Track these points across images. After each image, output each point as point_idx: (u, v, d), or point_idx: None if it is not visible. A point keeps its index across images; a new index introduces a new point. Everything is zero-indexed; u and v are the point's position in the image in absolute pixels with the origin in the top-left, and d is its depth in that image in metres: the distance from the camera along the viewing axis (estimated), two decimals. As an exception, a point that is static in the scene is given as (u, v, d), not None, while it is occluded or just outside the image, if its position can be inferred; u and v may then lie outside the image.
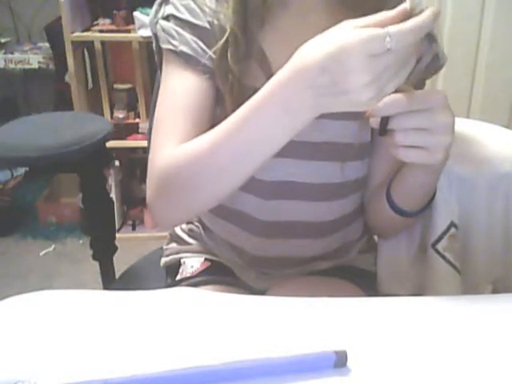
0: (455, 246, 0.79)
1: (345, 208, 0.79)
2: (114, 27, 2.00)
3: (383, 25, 0.50)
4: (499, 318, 0.54)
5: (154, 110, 0.95)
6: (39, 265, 2.06)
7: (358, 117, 0.68)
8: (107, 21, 2.03)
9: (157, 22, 0.72)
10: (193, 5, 0.70)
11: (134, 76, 2.09)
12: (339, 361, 0.45)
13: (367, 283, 0.82)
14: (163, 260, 0.89)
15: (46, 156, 0.92)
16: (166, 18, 0.71)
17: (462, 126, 0.80)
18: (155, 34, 0.73)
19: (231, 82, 0.68)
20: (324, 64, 0.51)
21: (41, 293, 0.54)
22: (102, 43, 2.06)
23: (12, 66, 2.22)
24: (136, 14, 1.89)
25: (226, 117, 0.61)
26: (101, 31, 2.00)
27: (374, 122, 0.60)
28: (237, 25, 0.68)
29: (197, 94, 0.69)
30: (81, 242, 2.18)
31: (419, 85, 0.74)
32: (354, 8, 0.68)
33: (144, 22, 1.86)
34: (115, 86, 2.18)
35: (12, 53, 2.24)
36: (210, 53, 0.69)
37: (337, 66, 0.50)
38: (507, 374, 0.46)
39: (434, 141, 0.57)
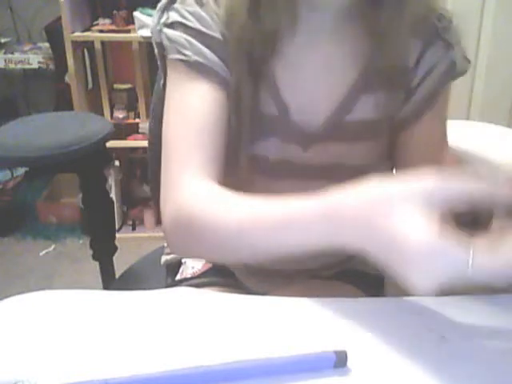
0: None
1: None
2: (114, 27, 2.00)
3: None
4: (500, 318, 0.54)
5: (153, 111, 0.95)
6: (39, 265, 2.06)
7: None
8: (107, 21, 2.03)
9: (160, 30, 0.67)
10: (202, 12, 0.66)
11: (134, 76, 2.09)
12: (339, 361, 0.45)
13: (369, 286, 0.81)
14: (164, 258, 0.89)
15: (46, 156, 0.92)
16: (171, 25, 0.66)
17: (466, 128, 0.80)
18: (159, 43, 0.68)
19: (237, 102, 0.66)
20: (392, 238, 0.45)
21: (41, 293, 0.54)
22: (102, 43, 2.06)
23: (12, 65, 2.22)
24: (136, 13, 1.89)
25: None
26: (101, 31, 2.01)
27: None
28: (246, 52, 0.65)
29: (212, 111, 0.64)
30: (81, 242, 2.19)
31: (434, 95, 0.70)
32: (364, 34, 0.67)
33: (144, 22, 1.86)
34: (115, 86, 2.18)
35: (12, 53, 2.25)
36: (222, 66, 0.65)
37: (398, 255, 0.45)
38: (508, 373, 0.46)
39: None
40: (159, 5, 0.69)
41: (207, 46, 0.65)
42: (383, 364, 0.46)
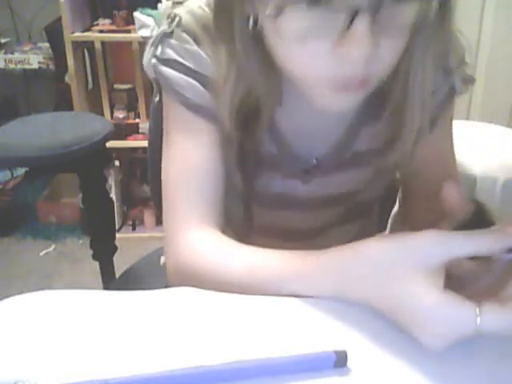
0: None
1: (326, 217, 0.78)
2: (114, 27, 2.00)
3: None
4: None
5: (153, 111, 0.95)
6: (39, 265, 2.06)
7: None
8: (107, 21, 2.03)
9: (156, 66, 0.63)
10: (200, 52, 0.62)
11: (133, 76, 2.09)
12: (339, 361, 0.45)
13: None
14: (163, 259, 0.89)
15: (46, 156, 0.93)
16: (167, 62, 0.63)
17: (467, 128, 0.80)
18: (154, 77, 0.65)
19: (232, 143, 0.65)
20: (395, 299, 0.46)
21: (41, 293, 0.54)
22: (102, 43, 2.06)
23: (12, 66, 2.22)
24: (136, 14, 1.88)
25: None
26: (101, 31, 2.01)
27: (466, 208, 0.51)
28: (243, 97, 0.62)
29: (213, 157, 0.63)
30: (81, 242, 2.19)
31: (434, 122, 0.67)
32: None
33: (144, 22, 1.86)
34: (115, 86, 2.18)
35: (12, 53, 2.25)
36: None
37: (410, 318, 0.46)
38: (508, 374, 0.46)
39: None
40: (153, 39, 0.64)
41: (206, 88, 0.62)
42: (383, 364, 0.46)
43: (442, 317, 0.43)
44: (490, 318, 0.42)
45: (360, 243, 0.49)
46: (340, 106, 0.58)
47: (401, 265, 0.45)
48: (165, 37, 0.63)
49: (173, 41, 0.62)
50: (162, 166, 0.65)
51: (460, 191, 0.50)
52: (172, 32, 0.63)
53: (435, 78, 0.63)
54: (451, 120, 0.72)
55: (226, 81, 0.60)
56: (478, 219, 0.50)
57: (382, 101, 0.64)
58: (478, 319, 0.42)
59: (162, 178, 0.65)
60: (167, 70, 0.63)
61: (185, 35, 0.62)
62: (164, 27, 0.63)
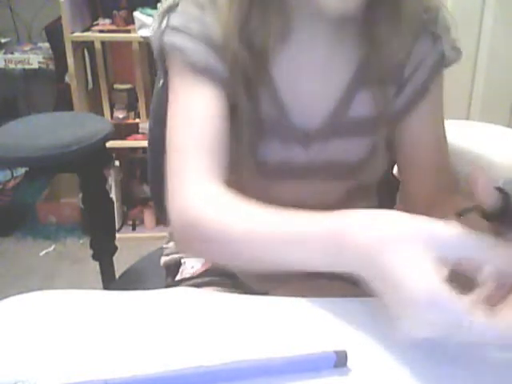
0: None
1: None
2: (114, 27, 2.01)
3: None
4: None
5: (153, 111, 0.95)
6: (39, 265, 2.06)
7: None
8: (107, 21, 2.03)
9: (162, 35, 0.66)
10: (205, 17, 0.66)
11: (133, 76, 2.09)
12: (339, 361, 0.45)
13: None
14: (163, 259, 0.89)
15: (46, 156, 0.92)
16: (174, 30, 0.66)
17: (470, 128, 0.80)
18: (160, 47, 0.68)
19: (236, 105, 0.67)
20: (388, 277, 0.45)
21: (41, 293, 0.54)
22: (102, 43, 2.06)
23: (12, 65, 2.22)
24: (136, 14, 1.89)
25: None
26: (101, 31, 2.01)
27: (493, 197, 0.49)
28: (243, 61, 0.65)
29: (218, 115, 0.64)
30: (81, 241, 2.19)
31: (425, 87, 0.71)
32: (358, 36, 0.69)
33: (144, 22, 1.86)
34: (115, 86, 2.18)
35: (12, 53, 2.25)
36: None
37: (396, 296, 0.44)
38: (508, 374, 0.46)
39: None
40: (160, 9, 0.68)
41: (211, 50, 0.65)
42: (383, 364, 0.46)
43: (431, 303, 0.42)
44: (481, 321, 0.41)
45: (371, 212, 0.48)
46: (343, 4, 0.60)
47: (415, 239, 0.44)
48: (170, 8, 0.66)
49: (178, 9, 0.66)
50: (167, 128, 0.66)
51: (487, 179, 0.49)
52: (177, 4, 0.66)
53: (423, 44, 0.69)
54: (441, 92, 0.74)
55: (230, 7, 0.63)
56: (504, 208, 0.50)
57: (371, 69, 0.68)
58: (469, 319, 0.41)
59: (167, 137, 0.65)
60: (173, 36, 0.65)
61: (189, 3, 0.66)
62: (169, 1, 0.67)
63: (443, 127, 0.75)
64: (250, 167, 0.72)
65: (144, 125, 2.09)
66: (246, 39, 0.65)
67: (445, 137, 0.76)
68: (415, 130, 0.73)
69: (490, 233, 0.47)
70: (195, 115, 0.64)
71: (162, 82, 0.72)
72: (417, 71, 0.71)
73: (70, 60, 1.97)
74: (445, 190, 0.72)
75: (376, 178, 0.82)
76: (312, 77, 0.69)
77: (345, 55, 0.70)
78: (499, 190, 0.49)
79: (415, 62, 0.71)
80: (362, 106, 0.71)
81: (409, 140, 0.75)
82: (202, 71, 0.64)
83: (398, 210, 0.83)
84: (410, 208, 0.76)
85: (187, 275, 0.82)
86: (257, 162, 0.72)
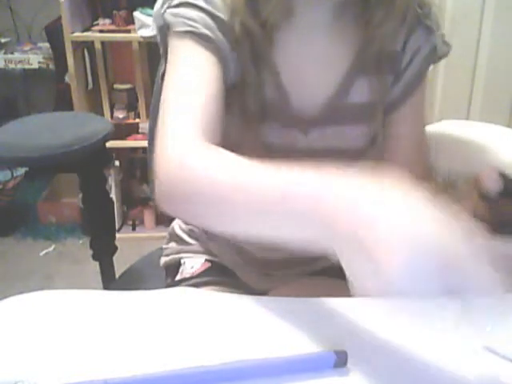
0: None
1: None
2: (114, 27, 2.00)
3: None
4: (500, 318, 0.54)
5: (153, 111, 0.95)
6: (39, 265, 2.06)
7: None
8: (107, 21, 2.03)
9: (164, 12, 0.67)
10: None
11: (133, 76, 2.09)
12: (339, 361, 0.45)
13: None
14: (163, 259, 0.89)
15: (46, 156, 0.92)
16: (177, 6, 0.66)
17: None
18: (162, 26, 0.68)
19: (241, 86, 0.68)
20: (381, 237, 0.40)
21: (41, 293, 0.54)
22: (102, 43, 2.06)
23: (12, 66, 2.22)
24: (136, 13, 1.89)
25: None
26: (101, 31, 2.01)
27: (494, 181, 0.49)
28: (249, 40, 0.67)
29: (214, 82, 0.64)
30: (81, 242, 2.18)
31: (419, 77, 0.75)
32: (357, 24, 0.71)
33: (144, 22, 1.86)
34: (115, 86, 2.18)
35: (12, 53, 2.25)
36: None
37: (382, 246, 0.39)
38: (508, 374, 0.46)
39: None
40: None
41: (216, 26, 0.65)
42: (383, 364, 0.46)
43: (402, 228, 0.39)
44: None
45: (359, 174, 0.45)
46: None
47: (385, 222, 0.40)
48: None
49: None
50: (163, 87, 0.65)
51: (491, 164, 0.49)
52: None
53: (418, 36, 0.72)
54: (424, 93, 0.77)
55: (237, 10, 0.65)
56: (507, 192, 0.50)
57: (369, 57, 0.71)
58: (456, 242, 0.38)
59: (162, 95, 0.64)
60: (175, 9, 0.66)
61: None
62: None
63: (424, 121, 0.79)
64: (256, 149, 0.72)
65: (144, 125, 2.09)
66: (252, 11, 0.66)
67: (424, 130, 0.79)
68: (401, 122, 0.77)
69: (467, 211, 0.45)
70: (191, 79, 0.63)
71: (162, 71, 0.71)
72: (412, 62, 0.74)
73: (70, 60, 1.97)
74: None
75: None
76: (312, 62, 0.71)
77: (344, 42, 0.72)
78: (502, 175, 0.50)
79: (411, 53, 0.74)
80: (361, 92, 0.73)
81: (394, 131, 0.77)
82: (202, 37, 0.64)
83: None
84: None
85: (187, 275, 0.82)
86: (261, 143, 0.73)
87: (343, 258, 0.43)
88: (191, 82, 0.63)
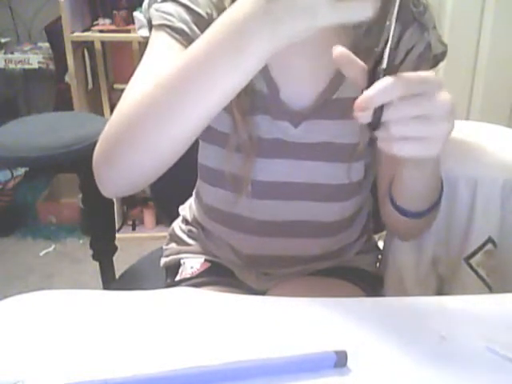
0: (491, 263, 0.78)
1: (346, 210, 0.79)
2: (114, 27, 2.00)
3: None
4: (500, 317, 0.54)
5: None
6: (39, 265, 2.06)
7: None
8: (107, 21, 2.03)
9: (151, 7, 0.70)
10: None
11: (133, 76, 2.09)
12: (339, 361, 0.45)
13: (367, 283, 0.82)
14: (163, 260, 0.89)
15: (46, 156, 0.92)
16: (162, 1, 0.69)
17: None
18: (148, 21, 0.71)
19: None
20: None
21: (41, 293, 0.54)
22: (102, 43, 2.06)
23: (12, 65, 2.22)
24: (136, 14, 1.89)
25: None
26: (101, 31, 2.01)
27: (365, 116, 0.52)
28: None
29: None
30: (81, 242, 2.18)
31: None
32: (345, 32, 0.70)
33: (144, 22, 1.86)
34: (115, 86, 2.18)
35: (12, 53, 2.25)
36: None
37: None
38: (508, 374, 0.46)
39: (435, 129, 0.51)
40: None
41: (193, 21, 0.67)
42: (383, 364, 0.46)
43: None
44: None
45: None
46: None
47: None
48: None
49: None
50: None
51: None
52: None
53: (412, 34, 0.72)
54: None
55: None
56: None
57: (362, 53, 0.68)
58: None
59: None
60: (159, 4, 0.68)
61: None
62: None
63: None
64: (244, 143, 0.73)
65: (144, 125, 2.09)
66: None
67: None
68: None
69: None
70: (158, 67, 0.64)
71: None
72: (406, 59, 0.74)
73: (70, 60, 1.97)
74: None
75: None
76: (303, 57, 0.71)
77: (337, 37, 0.71)
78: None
79: (405, 50, 0.73)
80: (351, 88, 0.72)
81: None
82: (175, 30, 0.66)
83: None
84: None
85: (187, 275, 0.82)
86: (250, 137, 0.73)
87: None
88: (157, 70, 0.63)
